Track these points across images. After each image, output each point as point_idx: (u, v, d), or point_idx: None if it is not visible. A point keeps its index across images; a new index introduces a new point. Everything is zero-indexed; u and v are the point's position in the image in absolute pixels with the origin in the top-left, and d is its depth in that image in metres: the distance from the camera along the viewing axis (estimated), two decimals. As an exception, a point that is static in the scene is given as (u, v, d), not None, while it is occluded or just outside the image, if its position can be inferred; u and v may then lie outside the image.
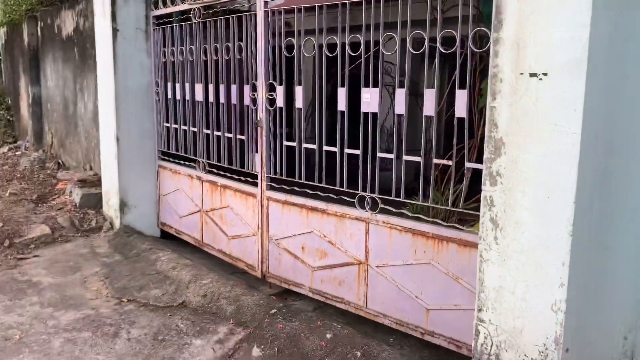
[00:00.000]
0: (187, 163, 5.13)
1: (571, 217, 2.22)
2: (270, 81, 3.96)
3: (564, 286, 2.28)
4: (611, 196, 2.43)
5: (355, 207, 3.52)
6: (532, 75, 2.28)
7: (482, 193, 2.52)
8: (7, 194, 6.35)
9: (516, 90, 2.34)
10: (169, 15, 5.07)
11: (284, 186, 4.01)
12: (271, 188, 4.09)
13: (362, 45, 3.33)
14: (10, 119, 11.29)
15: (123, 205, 5.53)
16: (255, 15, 3.99)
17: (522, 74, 2.31)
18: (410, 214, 3.30)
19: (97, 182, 6.15)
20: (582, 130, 2.16)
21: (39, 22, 8.97)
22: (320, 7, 3.53)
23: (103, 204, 5.89)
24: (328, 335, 3.33)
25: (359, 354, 3.12)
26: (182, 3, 4.84)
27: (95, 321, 3.67)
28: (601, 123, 2.29)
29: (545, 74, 2.24)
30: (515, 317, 2.46)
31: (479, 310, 2.59)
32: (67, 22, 7.63)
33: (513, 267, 2.44)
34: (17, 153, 9.32)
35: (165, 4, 5.11)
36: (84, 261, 4.77)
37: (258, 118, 4.07)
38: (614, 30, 2.24)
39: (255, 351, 3.32)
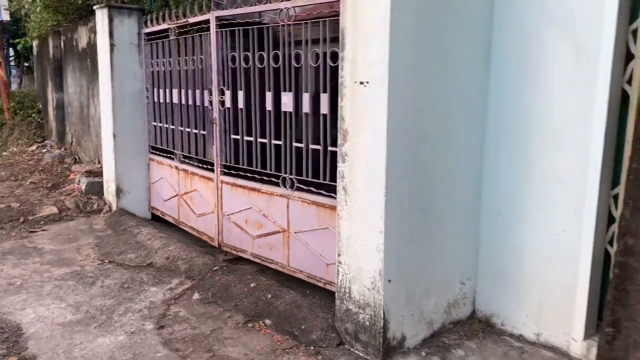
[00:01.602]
0: (169, 155, 6.16)
1: (384, 184, 3.12)
2: (221, 87, 4.95)
3: (382, 233, 3.18)
4: (423, 170, 3.32)
5: (280, 186, 4.47)
6: (361, 83, 3.19)
7: (337, 169, 3.44)
8: (27, 183, 7.53)
9: (353, 94, 3.25)
10: (157, 32, 6.12)
11: (232, 171, 4.98)
12: (224, 173, 5.08)
13: (280, 59, 4.28)
14: (41, 121, 12.61)
15: (119, 192, 6.61)
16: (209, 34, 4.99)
17: (356, 82, 3.23)
18: (314, 189, 4.22)
19: (101, 173, 7.25)
20: (388, 122, 3.06)
21: (62, 36, 10.21)
22: (252, 29, 4.50)
23: (104, 190, 6.99)
24: (252, 285, 4.28)
25: (269, 295, 4.07)
26: (163, 23, 5.89)
27: (80, 274, 4.71)
28: (409, 117, 3.18)
29: (368, 82, 3.15)
30: (358, 259, 3.36)
31: (338, 255, 3.51)
32: (83, 37, 8.82)
33: (355, 222, 3.35)
34: (43, 150, 10.58)
35: (152, 24, 6.17)
36: (82, 234, 5.85)
37: (213, 117, 5.06)
38: (415, 52, 3.14)
39: (196, 295, 4.29)
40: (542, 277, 3.43)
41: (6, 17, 13.41)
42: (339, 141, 3.41)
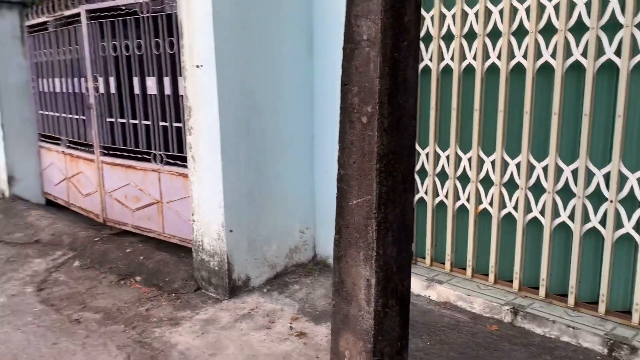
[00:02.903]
0: (56, 142, 6.50)
1: (219, 151, 3.75)
2: (94, 74, 5.39)
3: (221, 192, 3.81)
4: (257, 138, 3.98)
5: (151, 162, 5.00)
6: (197, 66, 3.79)
7: (186, 140, 4.04)
8: None
9: (193, 76, 3.85)
10: (38, 24, 6.41)
11: (110, 152, 5.45)
12: (103, 154, 5.54)
13: (143, 47, 4.80)
14: None
15: (11, 179, 6.86)
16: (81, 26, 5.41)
17: (193, 65, 3.83)
18: (180, 163, 4.79)
19: (-7, 163, 7.43)
20: (219, 98, 3.69)
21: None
22: (118, 21, 4.98)
23: (-4, 179, 7.21)
24: (128, 250, 4.82)
25: (142, 257, 4.62)
26: (42, 16, 6.21)
27: (-32, 254, 5.06)
28: (240, 94, 3.82)
29: (202, 66, 3.76)
30: (207, 215, 3.99)
31: (192, 214, 4.12)
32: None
33: (203, 184, 3.96)
34: None
35: (33, 17, 6.45)
36: (-27, 220, 6.12)
37: (90, 102, 5.50)
38: (237, 39, 3.77)
39: (76, 263, 4.77)
40: (359, 221, 4.20)
41: None
42: (185, 117, 4.00)
